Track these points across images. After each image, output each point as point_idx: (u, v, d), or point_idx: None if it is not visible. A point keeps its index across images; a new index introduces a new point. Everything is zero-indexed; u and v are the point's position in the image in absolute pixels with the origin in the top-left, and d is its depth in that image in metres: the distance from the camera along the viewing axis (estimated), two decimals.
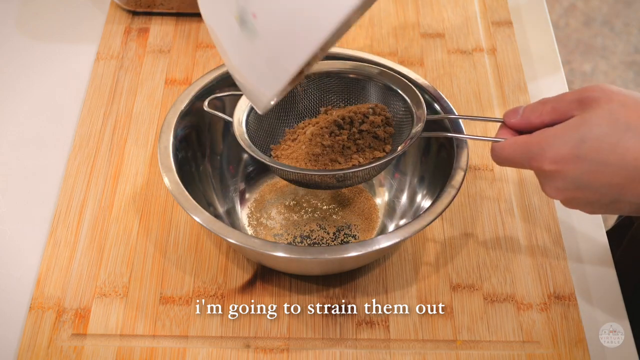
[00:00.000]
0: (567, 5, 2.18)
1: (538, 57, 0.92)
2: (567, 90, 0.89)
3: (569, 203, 0.61)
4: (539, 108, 0.61)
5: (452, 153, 0.69)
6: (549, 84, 0.89)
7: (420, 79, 0.74)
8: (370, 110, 0.70)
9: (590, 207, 0.61)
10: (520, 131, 0.63)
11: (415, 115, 0.67)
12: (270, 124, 0.71)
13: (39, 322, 0.67)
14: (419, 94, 0.69)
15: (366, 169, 0.66)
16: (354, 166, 0.67)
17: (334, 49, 0.76)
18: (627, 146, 0.57)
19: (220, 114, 0.70)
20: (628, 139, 0.57)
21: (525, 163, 0.61)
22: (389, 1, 0.96)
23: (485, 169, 0.78)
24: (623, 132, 0.57)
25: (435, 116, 0.71)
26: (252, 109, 0.69)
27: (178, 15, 0.93)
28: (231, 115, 0.69)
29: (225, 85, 0.75)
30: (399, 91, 0.69)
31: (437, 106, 0.72)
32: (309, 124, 0.71)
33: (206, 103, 0.70)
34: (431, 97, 0.73)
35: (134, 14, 0.93)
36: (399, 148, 0.66)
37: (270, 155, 0.70)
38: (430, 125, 0.68)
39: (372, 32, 0.92)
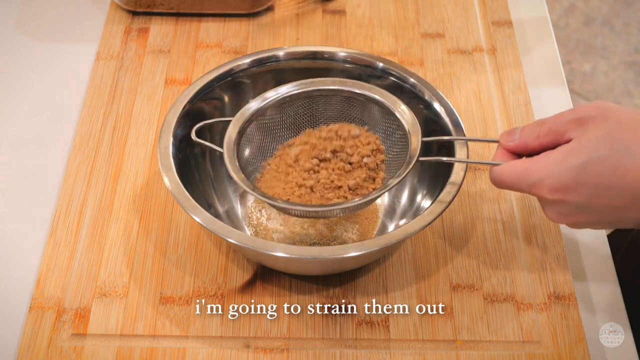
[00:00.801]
0: (567, 5, 2.18)
1: (538, 57, 0.92)
2: (567, 90, 0.89)
3: (573, 225, 0.61)
4: (535, 130, 0.61)
5: (452, 153, 0.69)
6: (549, 84, 0.89)
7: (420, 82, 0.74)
8: (358, 136, 0.69)
9: (594, 226, 0.61)
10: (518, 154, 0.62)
11: (410, 142, 0.67)
12: (261, 144, 0.71)
13: (39, 322, 0.67)
14: (414, 117, 0.68)
15: (357, 204, 0.65)
16: (343, 202, 0.66)
17: (332, 48, 0.76)
18: (626, 168, 0.56)
19: (209, 144, 0.69)
20: (627, 161, 0.56)
21: (525, 189, 0.60)
22: (389, 1, 0.96)
23: (485, 169, 0.78)
24: (622, 154, 0.56)
25: (431, 138, 0.69)
26: (241, 135, 0.69)
27: (178, 15, 0.93)
28: (221, 144, 0.68)
29: (225, 86, 0.75)
30: (396, 114, 0.69)
31: (436, 106, 0.72)
32: (298, 142, 0.70)
33: (193, 132, 0.69)
34: (431, 95, 0.73)
35: (134, 14, 0.93)
36: (392, 180, 0.65)
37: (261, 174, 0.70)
38: (426, 144, 0.68)
39: (372, 32, 0.92)
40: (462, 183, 0.66)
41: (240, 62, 0.75)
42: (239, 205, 0.76)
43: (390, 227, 0.74)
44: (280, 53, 0.76)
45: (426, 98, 0.73)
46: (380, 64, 0.75)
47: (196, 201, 0.65)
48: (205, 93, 0.74)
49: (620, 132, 0.57)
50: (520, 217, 0.75)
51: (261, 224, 0.75)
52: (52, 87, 0.87)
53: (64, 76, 0.88)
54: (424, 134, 0.73)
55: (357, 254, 0.62)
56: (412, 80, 0.74)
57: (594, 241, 0.75)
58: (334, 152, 0.68)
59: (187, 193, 0.66)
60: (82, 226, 0.74)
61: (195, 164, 0.74)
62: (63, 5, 0.96)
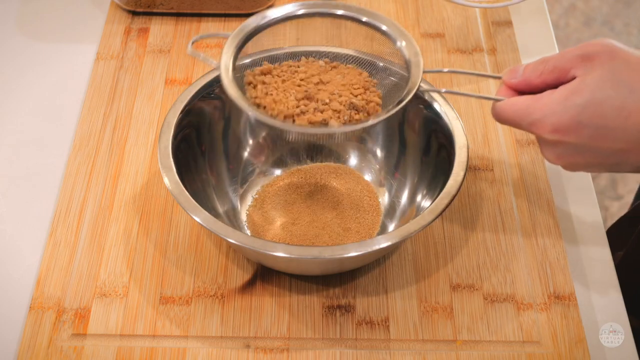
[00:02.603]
0: (567, 5, 2.18)
1: (538, 57, 0.91)
2: None
3: (570, 167, 0.60)
4: (539, 67, 0.59)
5: (452, 153, 0.69)
6: None
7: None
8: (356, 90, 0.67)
9: (590, 169, 0.59)
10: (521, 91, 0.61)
11: (410, 71, 0.65)
12: (258, 64, 0.69)
13: (39, 322, 0.67)
14: (417, 47, 0.67)
15: (353, 130, 0.64)
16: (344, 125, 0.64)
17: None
18: (630, 110, 0.55)
19: (204, 56, 0.66)
20: (631, 103, 0.54)
21: (524, 127, 0.59)
22: (389, 1, 0.96)
23: (485, 169, 0.78)
24: (626, 95, 0.54)
25: (433, 70, 0.67)
26: (238, 50, 0.66)
27: (178, 15, 0.93)
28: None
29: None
30: (398, 44, 0.68)
31: (436, 106, 0.72)
32: (291, 66, 0.69)
33: (190, 46, 0.67)
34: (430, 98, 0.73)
35: (134, 14, 0.93)
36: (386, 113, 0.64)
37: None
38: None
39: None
40: (462, 183, 0.66)
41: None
42: (239, 205, 0.76)
43: (390, 227, 0.74)
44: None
45: (426, 98, 0.73)
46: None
47: (196, 201, 0.65)
48: (206, 93, 0.74)
49: (627, 73, 0.55)
50: (520, 217, 0.75)
51: (261, 224, 0.75)
52: (52, 87, 0.87)
53: (64, 76, 0.88)
54: (424, 134, 0.73)
55: (357, 254, 0.62)
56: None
57: (594, 241, 0.75)
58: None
59: (187, 193, 0.66)
60: (82, 226, 0.74)
61: (195, 164, 0.74)
62: (63, 5, 0.96)
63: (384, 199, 0.77)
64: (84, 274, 0.70)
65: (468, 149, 0.69)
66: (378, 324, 0.68)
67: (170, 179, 0.67)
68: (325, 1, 0.70)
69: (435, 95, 0.73)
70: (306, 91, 0.66)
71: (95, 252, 0.72)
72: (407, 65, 0.67)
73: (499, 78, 0.63)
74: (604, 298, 0.71)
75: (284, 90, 0.66)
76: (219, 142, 0.77)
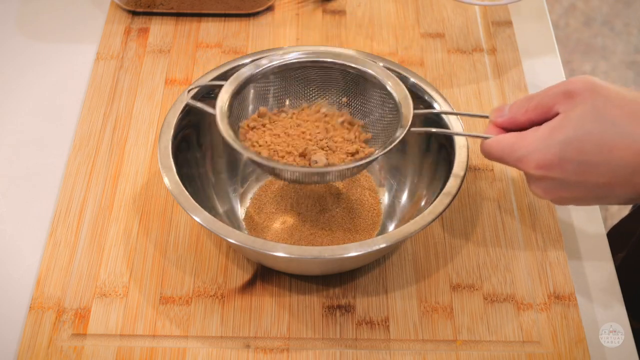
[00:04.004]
0: (567, 5, 2.18)
1: (538, 57, 0.92)
2: None
3: (557, 201, 0.62)
4: (524, 105, 0.61)
5: (452, 153, 0.69)
6: (549, 84, 0.89)
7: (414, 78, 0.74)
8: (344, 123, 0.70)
9: (578, 202, 0.61)
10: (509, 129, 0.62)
11: (401, 114, 0.67)
12: (253, 108, 0.71)
13: (39, 322, 0.67)
14: (406, 90, 0.68)
15: (347, 168, 0.65)
16: (332, 165, 0.66)
17: (333, 49, 0.76)
18: (613, 145, 0.56)
19: (201, 105, 0.69)
20: (614, 137, 0.56)
21: (511, 163, 0.61)
22: (389, 1, 0.96)
23: (485, 169, 0.78)
24: (608, 131, 0.56)
25: (422, 111, 0.70)
26: (234, 96, 0.68)
27: (178, 15, 0.93)
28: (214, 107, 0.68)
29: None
30: (387, 88, 0.69)
31: (436, 105, 0.72)
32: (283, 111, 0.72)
33: (186, 93, 0.69)
34: (430, 98, 0.73)
35: (134, 14, 0.93)
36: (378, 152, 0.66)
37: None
38: (420, 120, 0.68)
39: (372, 32, 0.92)
40: (462, 183, 0.66)
41: (240, 62, 0.75)
42: (239, 205, 0.76)
43: (390, 227, 0.74)
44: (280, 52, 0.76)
45: (426, 98, 0.73)
46: (381, 64, 0.75)
47: (196, 201, 0.65)
48: (206, 93, 0.74)
49: (608, 108, 0.56)
50: (520, 218, 0.75)
51: (261, 224, 0.75)
52: (52, 87, 0.87)
53: (64, 76, 0.88)
54: (424, 134, 0.73)
55: (357, 254, 0.62)
56: (412, 80, 0.74)
57: (594, 241, 0.75)
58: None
59: (187, 193, 0.66)
60: (82, 226, 0.74)
61: (195, 164, 0.74)
62: (63, 5, 0.96)
63: (384, 199, 0.77)
64: (84, 274, 0.70)
65: (468, 149, 0.69)
66: (378, 324, 0.68)
67: (170, 179, 0.67)
68: (316, 48, 0.73)
69: (435, 95, 0.73)
70: (304, 151, 0.68)
71: (95, 252, 0.72)
72: (397, 108, 0.68)
73: (486, 117, 0.64)
74: (604, 298, 0.71)
75: (280, 145, 0.69)
76: (219, 142, 0.77)
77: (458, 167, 0.67)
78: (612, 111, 0.56)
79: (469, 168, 0.69)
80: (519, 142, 0.60)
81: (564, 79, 0.90)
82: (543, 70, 0.90)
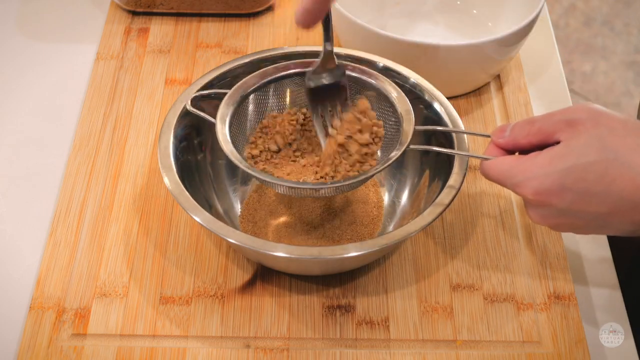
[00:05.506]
0: (567, 5, 2.18)
1: (538, 57, 0.92)
2: (568, 90, 0.89)
3: (555, 227, 0.61)
4: (526, 128, 0.61)
5: (452, 158, 0.69)
6: (549, 84, 0.89)
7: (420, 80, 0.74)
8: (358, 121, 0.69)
9: (576, 230, 0.61)
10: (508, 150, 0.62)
11: (402, 127, 0.67)
12: (255, 118, 0.71)
13: (39, 322, 0.67)
14: (409, 103, 0.68)
15: (346, 184, 0.65)
16: (334, 181, 0.67)
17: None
18: (614, 176, 0.56)
19: (202, 114, 0.69)
20: (615, 169, 0.55)
21: (509, 187, 0.61)
22: None
23: None
24: (610, 162, 0.56)
25: (422, 127, 0.70)
26: (236, 108, 0.69)
27: (178, 15, 0.93)
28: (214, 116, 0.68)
29: (225, 86, 0.75)
30: (391, 99, 0.69)
31: (436, 106, 0.72)
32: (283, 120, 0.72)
33: (189, 103, 0.70)
34: (431, 97, 0.73)
35: (134, 14, 0.94)
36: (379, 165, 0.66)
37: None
38: (420, 134, 0.68)
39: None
40: (462, 183, 0.66)
41: (240, 62, 0.75)
42: (239, 205, 0.76)
43: (390, 227, 0.74)
44: (280, 52, 0.76)
45: (426, 98, 0.73)
46: (381, 64, 0.75)
47: (196, 201, 0.65)
48: (207, 95, 0.73)
49: (611, 138, 0.56)
50: (520, 217, 0.75)
51: (261, 224, 0.75)
52: (52, 87, 0.87)
53: (63, 76, 0.88)
54: (424, 134, 0.73)
55: (357, 254, 0.62)
56: (412, 80, 0.74)
57: (594, 241, 0.75)
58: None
59: (187, 193, 0.66)
60: (82, 226, 0.74)
61: (195, 164, 0.74)
62: (63, 5, 0.96)
63: (384, 199, 0.77)
64: (84, 274, 0.70)
65: (469, 149, 0.69)
66: (378, 324, 0.68)
67: (170, 179, 0.67)
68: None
69: (436, 95, 0.73)
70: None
71: (95, 252, 0.72)
72: (399, 120, 0.68)
73: (488, 137, 0.64)
74: (604, 298, 0.71)
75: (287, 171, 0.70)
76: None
77: (458, 167, 0.67)
78: (614, 142, 0.56)
79: (468, 168, 0.69)
80: (517, 166, 0.59)
81: (564, 79, 0.90)
82: (543, 71, 0.90)
